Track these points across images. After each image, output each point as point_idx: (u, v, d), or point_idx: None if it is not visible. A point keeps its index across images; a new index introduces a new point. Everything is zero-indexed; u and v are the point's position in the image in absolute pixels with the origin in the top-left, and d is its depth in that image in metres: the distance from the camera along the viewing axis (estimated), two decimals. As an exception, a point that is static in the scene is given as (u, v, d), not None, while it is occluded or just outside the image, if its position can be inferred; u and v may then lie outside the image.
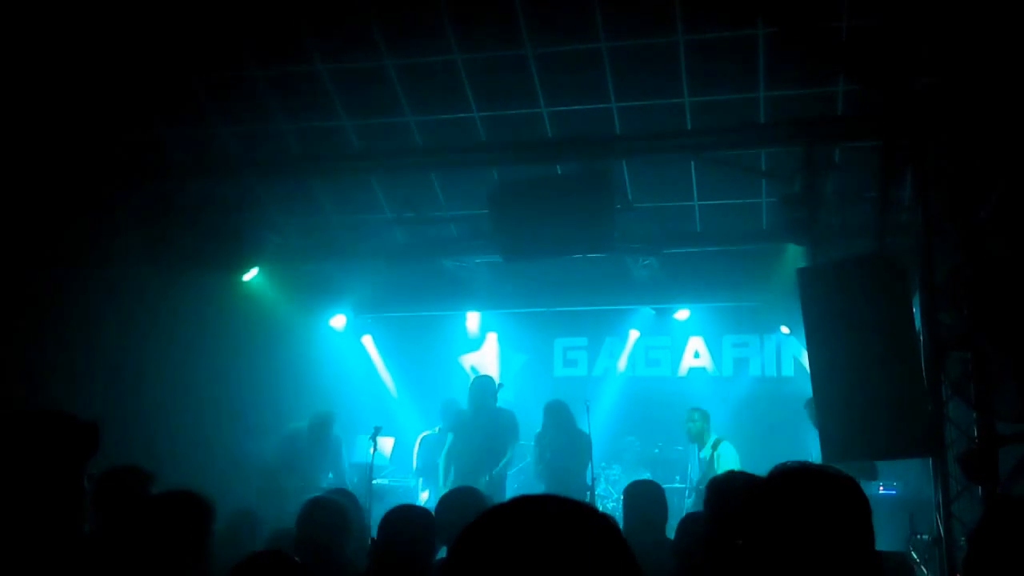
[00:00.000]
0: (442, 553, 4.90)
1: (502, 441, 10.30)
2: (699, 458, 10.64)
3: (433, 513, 5.32)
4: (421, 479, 11.52)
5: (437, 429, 11.48)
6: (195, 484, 5.13)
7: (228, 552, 5.88)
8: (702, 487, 9.96)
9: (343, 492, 6.73)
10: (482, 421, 10.29)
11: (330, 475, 10.83)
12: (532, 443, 10.79)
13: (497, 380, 11.03)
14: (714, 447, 10.40)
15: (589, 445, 10.19)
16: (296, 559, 3.35)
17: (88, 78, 9.19)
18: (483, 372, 13.21)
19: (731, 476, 4.17)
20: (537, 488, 10.69)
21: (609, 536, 1.47)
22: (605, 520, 1.49)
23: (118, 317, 9.94)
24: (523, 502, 1.51)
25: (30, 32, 8.47)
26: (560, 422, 10.47)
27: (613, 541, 1.47)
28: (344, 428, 11.83)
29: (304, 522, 5.18)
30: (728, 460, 10.20)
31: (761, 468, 9.93)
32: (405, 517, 4.39)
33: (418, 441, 11.59)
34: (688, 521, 4.96)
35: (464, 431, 10.38)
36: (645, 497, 6.00)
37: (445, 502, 5.41)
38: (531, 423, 10.93)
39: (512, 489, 10.73)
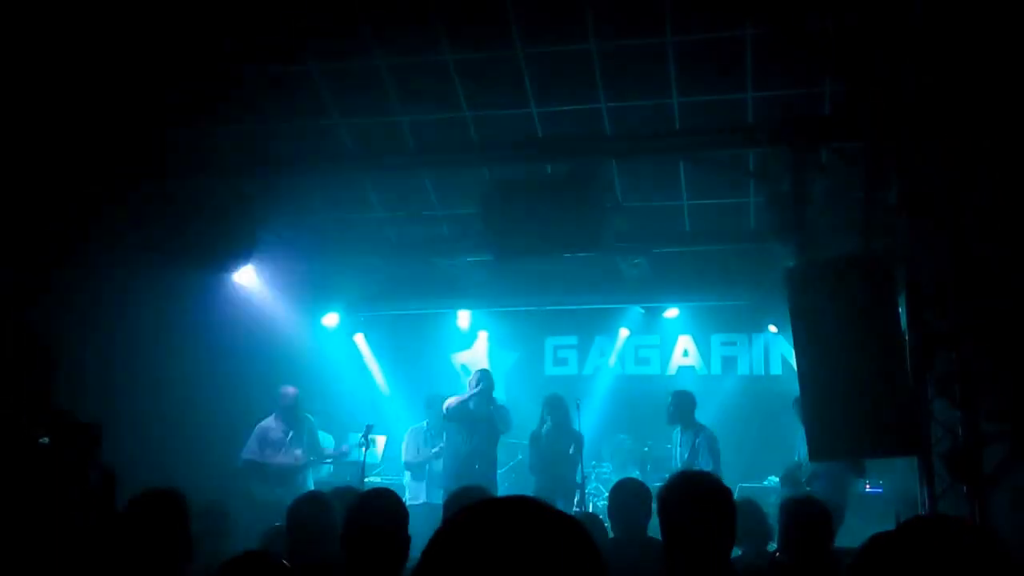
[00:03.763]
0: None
1: (495, 437, 10.44)
2: (680, 440, 10.65)
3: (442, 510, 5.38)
4: (409, 473, 11.58)
5: (425, 423, 11.56)
6: (188, 481, 5.19)
7: (204, 544, 5.92)
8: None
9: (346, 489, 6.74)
10: (479, 415, 10.42)
11: (311, 457, 10.90)
12: (526, 438, 10.89)
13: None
14: (696, 434, 10.44)
15: (582, 443, 10.31)
16: (283, 561, 3.39)
17: (82, 77, 9.19)
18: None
19: (681, 475, 4.17)
20: (529, 482, 10.81)
21: (578, 542, 1.49)
22: (575, 525, 1.51)
23: (109, 315, 9.94)
24: (491, 507, 1.54)
25: (25, 31, 8.48)
26: (558, 417, 10.59)
27: (582, 547, 1.49)
28: (336, 426, 11.88)
29: (292, 518, 5.23)
30: (709, 448, 10.28)
31: (751, 467, 10.06)
32: (375, 500, 4.41)
33: (407, 435, 11.65)
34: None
35: (465, 422, 10.47)
36: (632, 497, 6.06)
37: (454, 500, 5.44)
38: (521, 421, 11.00)
39: (502, 488, 10.82)
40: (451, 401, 10.65)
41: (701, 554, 3.60)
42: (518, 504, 1.53)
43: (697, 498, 3.71)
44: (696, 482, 3.86)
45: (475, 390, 10.52)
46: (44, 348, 3.96)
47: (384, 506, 4.26)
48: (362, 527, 4.10)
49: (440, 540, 1.50)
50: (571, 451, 10.41)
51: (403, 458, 11.55)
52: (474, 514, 1.52)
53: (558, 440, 10.48)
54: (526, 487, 10.87)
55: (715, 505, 3.70)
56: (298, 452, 10.60)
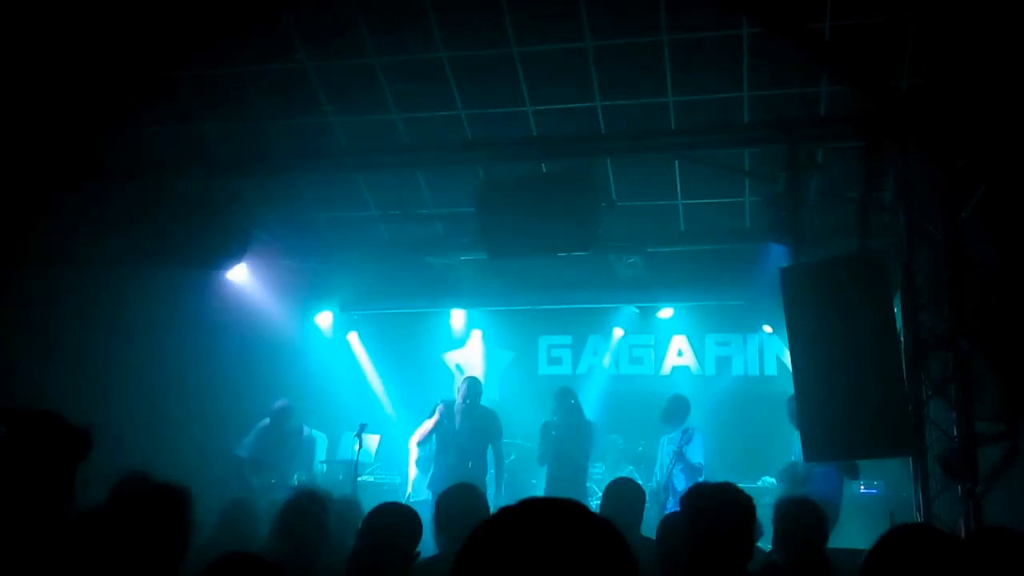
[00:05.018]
0: (427, 551, 4.92)
1: (485, 439, 10.41)
2: (668, 437, 10.68)
3: (434, 507, 5.36)
4: (419, 469, 11.56)
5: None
6: (180, 482, 5.15)
7: (229, 541, 5.88)
8: (664, 478, 10.17)
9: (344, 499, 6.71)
10: (468, 419, 10.40)
11: (302, 474, 10.79)
12: (519, 438, 10.89)
13: (482, 379, 11.15)
14: (684, 433, 10.46)
15: (593, 434, 10.32)
16: (270, 562, 3.35)
17: (75, 73, 9.17)
18: (468, 370, 13.36)
19: (709, 485, 4.24)
20: (524, 481, 10.80)
21: (616, 542, 1.52)
22: (612, 527, 1.53)
23: (103, 315, 9.92)
24: (532, 505, 1.55)
25: (9, 27, 8.45)
26: (569, 408, 10.60)
27: (619, 547, 1.51)
28: (329, 425, 11.85)
29: (281, 523, 5.18)
30: (697, 448, 10.30)
31: (744, 467, 10.02)
32: (390, 516, 4.38)
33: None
34: (670, 522, 5.00)
35: (450, 427, 10.45)
36: (626, 497, 6.04)
37: (444, 499, 5.41)
38: (515, 421, 10.98)
39: (495, 487, 10.78)
40: (416, 436, 10.64)
41: (725, 562, 3.66)
42: (555, 506, 1.54)
43: (731, 511, 3.79)
44: (729, 492, 3.92)
45: (437, 419, 10.45)
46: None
47: (398, 524, 4.25)
48: (373, 542, 4.08)
49: (480, 541, 1.51)
50: (582, 443, 10.46)
51: (413, 457, 11.51)
52: (514, 515, 1.53)
53: (569, 433, 10.51)
54: (519, 487, 10.85)
55: (746, 517, 3.83)
56: (283, 463, 10.46)
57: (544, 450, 10.65)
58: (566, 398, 10.76)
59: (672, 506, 9.34)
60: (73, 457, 3.75)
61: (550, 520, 1.50)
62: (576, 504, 1.54)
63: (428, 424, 10.49)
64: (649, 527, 6.36)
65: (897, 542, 2.97)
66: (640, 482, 7.95)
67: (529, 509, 1.54)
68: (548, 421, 10.77)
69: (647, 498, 10.43)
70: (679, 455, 10.23)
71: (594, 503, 11.07)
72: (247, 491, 9.91)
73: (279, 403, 10.59)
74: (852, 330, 7.49)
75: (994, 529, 3.22)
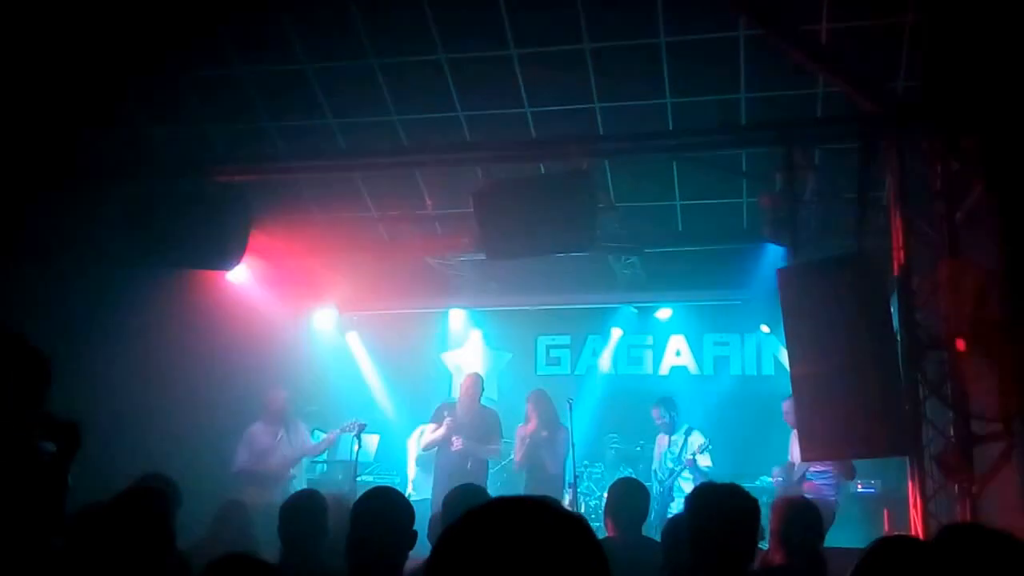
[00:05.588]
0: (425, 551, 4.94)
1: (485, 437, 10.45)
2: (670, 440, 10.75)
3: (441, 509, 5.37)
4: (419, 468, 11.59)
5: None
6: (180, 483, 5.18)
7: (225, 541, 5.90)
8: (666, 479, 10.23)
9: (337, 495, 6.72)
10: (468, 417, 10.44)
11: (301, 455, 10.87)
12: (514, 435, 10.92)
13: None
14: (685, 433, 10.53)
15: (568, 439, 10.29)
16: (266, 563, 3.37)
17: (75, 72, 9.18)
18: (467, 370, 13.38)
19: (714, 486, 4.29)
20: (518, 479, 10.83)
21: (583, 538, 1.52)
22: (579, 522, 1.54)
23: (101, 315, 9.92)
24: (498, 506, 1.56)
25: (11, 25, 8.47)
26: (541, 412, 10.59)
27: (587, 543, 1.51)
28: (329, 425, 11.84)
29: (281, 522, 5.18)
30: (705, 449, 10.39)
31: (742, 467, 10.03)
32: (381, 500, 4.38)
33: (416, 434, 11.67)
34: (675, 523, 5.04)
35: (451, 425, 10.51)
36: (628, 496, 6.07)
37: (450, 500, 5.43)
38: (514, 421, 11.00)
39: (495, 487, 10.83)
40: (422, 442, 10.73)
41: (729, 563, 3.71)
42: (523, 505, 1.55)
43: (737, 512, 3.85)
44: (735, 494, 3.99)
45: (447, 431, 10.50)
46: (40, 360, 3.95)
47: (392, 504, 4.25)
48: (369, 525, 4.07)
49: (449, 542, 1.52)
50: (554, 448, 10.42)
51: (417, 451, 11.57)
52: (481, 515, 1.54)
53: (541, 438, 10.50)
54: (518, 485, 10.88)
55: (751, 518, 3.91)
56: (287, 452, 10.55)
57: (520, 456, 10.67)
58: (537, 403, 10.73)
59: (678, 507, 9.39)
60: (64, 455, 3.78)
61: (516, 520, 1.51)
62: (543, 502, 1.55)
63: (436, 434, 10.53)
64: (649, 527, 6.41)
65: (880, 557, 3.01)
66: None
67: (496, 510, 1.55)
68: (522, 426, 10.77)
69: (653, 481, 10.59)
70: (691, 457, 10.31)
71: (593, 503, 11.14)
72: (255, 487, 9.97)
73: (281, 392, 10.70)
74: (849, 330, 7.51)
75: (967, 527, 3.25)
